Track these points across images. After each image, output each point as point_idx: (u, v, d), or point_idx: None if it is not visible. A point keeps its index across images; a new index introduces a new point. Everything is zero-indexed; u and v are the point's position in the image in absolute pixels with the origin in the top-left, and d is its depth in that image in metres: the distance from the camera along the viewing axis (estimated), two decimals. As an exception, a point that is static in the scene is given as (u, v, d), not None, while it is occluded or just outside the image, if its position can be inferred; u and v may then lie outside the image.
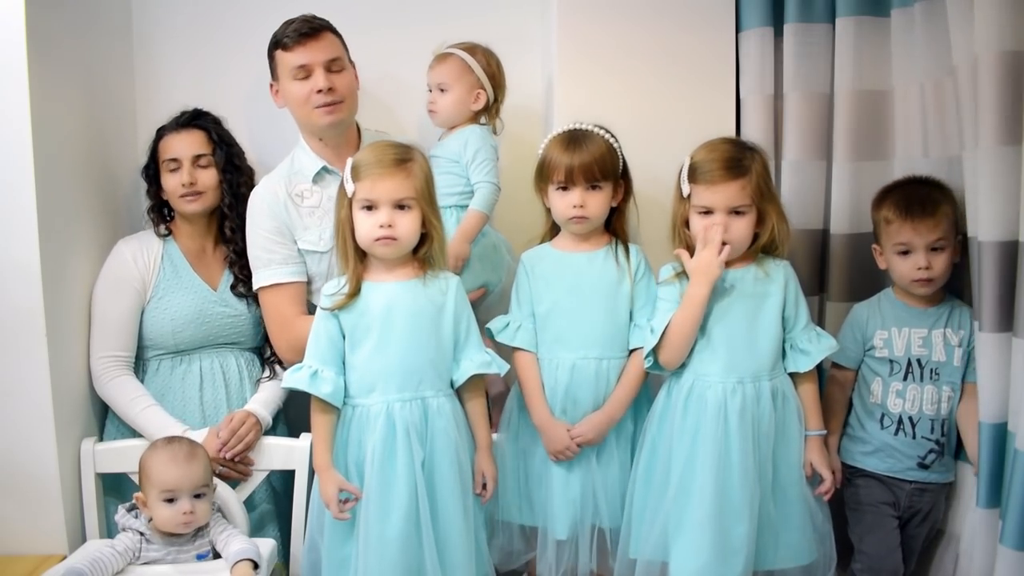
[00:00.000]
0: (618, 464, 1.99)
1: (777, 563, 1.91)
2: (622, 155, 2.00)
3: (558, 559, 1.96)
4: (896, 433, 2.02)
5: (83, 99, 2.18)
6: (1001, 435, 1.80)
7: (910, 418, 2.02)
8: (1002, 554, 1.72)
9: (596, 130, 1.98)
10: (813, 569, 1.93)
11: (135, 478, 1.95)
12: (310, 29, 2.09)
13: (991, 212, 1.77)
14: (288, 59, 2.10)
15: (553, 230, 2.07)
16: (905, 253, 2.00)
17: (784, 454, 1.92)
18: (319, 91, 2.08)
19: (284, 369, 2.18)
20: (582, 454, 1.96)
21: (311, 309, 2.13)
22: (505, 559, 2.03)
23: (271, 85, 2.20)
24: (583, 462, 1.97)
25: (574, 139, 1.97)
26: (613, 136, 1.99)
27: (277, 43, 2.12)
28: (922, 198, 1.99)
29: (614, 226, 2.04)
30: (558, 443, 1.94)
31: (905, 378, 2.03)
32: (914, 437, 2.01)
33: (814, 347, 1.94)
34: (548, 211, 2.04)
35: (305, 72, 2.09)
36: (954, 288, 2.07)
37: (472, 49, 2.15)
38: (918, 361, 2.02)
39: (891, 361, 2.04)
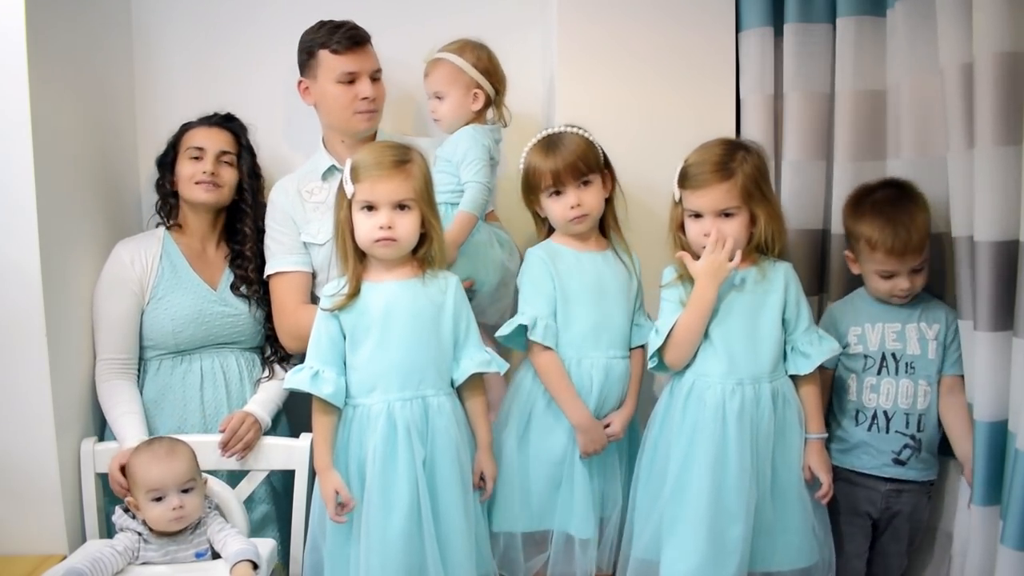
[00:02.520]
0: (621, 459, 2.02)
1: (776, 565, 1.90)
2: (600, 147, 2.01)
3: (582, 557, 1.95)
4: (870, 428, 2.02)
5: (83, 99, 2.18)
6: (997, 433, 1.80)
7: (884, 412, 2.02)
8: (1002, 554, 1.72)
9: (570, 129, 2.00)
10: (813, 572, 1.93)
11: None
12: (360, 38, 2.17)
13: (989, 212, 1.77)
14: (337, 63, 2.15)
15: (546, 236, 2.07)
16: (888, 277, 2.00)
17: (784, 457, 1.92)
18: (364, 98, 2.15)
19: (284, 367, 2.20)
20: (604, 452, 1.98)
21: (315, 302, 2.14)
22: (507, 568, 2.01)
23: (300, 82, 2.24)
24: (600, 460, 1.98)
25: (551, 143, 1.99)
26: (587, 132, 2.00)
27: (323, 45, 2.17)
28: (905, 228, 1.96)
29: (607, 226, 2.05)
30: (598, 442, 1.95)
31: (879, 372, 2.03)
32: (888, 432, 2.01)
33: (815, 349, 1.94)
34: (543, 220, 2.05)
35: (352, 78, 2.16)
36: (928, 286, 2.07)
37: (461, 49, 2.13)
38: (892, 355, 2.03)
39: (865, 356, 2.04)
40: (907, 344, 2.02)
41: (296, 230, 2.19)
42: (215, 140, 2.22)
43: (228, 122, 2.28)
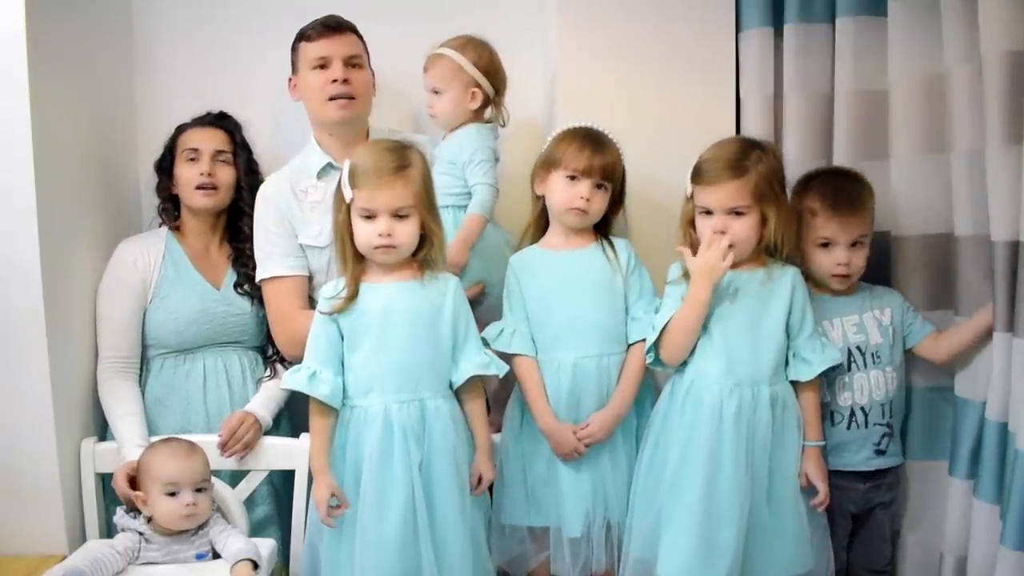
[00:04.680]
0: (624, 458, 2.00)
1: (772, 571, 1.90)
2: (625, 171, 2.03)
3: (573, 556, 1.96)
4: (848, 427, 2.02)
5: (83, 99, 2.18)
6: (1002, 433, 1.81)
7: (862, 408, 2.02)
8: (1002, 554, 1.72)
9: (611, 136, 2.02)
10: (809, 579, 1.93)
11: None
12: (336, 24, 2.15)
13: (998, 212, 1.78)
14: (310, 49, 2.14)
15: (538, 225, 2.07)
16: (825, 246, 2.00)
17: (781, 462, 1.91)
18: (334, 81, 2.11)
19: (284, 367, 2.19)
20: (589, 450, 1.96)
21: (314, 304, 2.12)
22: (515, 563, 2.02)
23: (289, 79, 2.23)
24: (591, 458, 1.97)
25: (594, 137, 2.00)
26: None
27: (301, 36, 2.17)
28: (850, 193, 2.00)
29: (601, 229, 2.05)
30: (566, 446, 1.94)
31: (849, 369, 2.02)
32: (867, 426, 2.02)
33: (817, 357, 1.93)
34: (538, 200, 2.04)
35: (324, 63, 2.13)
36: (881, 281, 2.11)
37: (463, 46, 2.13)
38: (858, 348, 2.02)
39: None
40: (869, 334, 2.03)
41: (292, 232, 2.15)
42: (210, 140, 2.23)
43: (222, 120, 2.28)
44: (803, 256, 2.03)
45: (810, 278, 2.05)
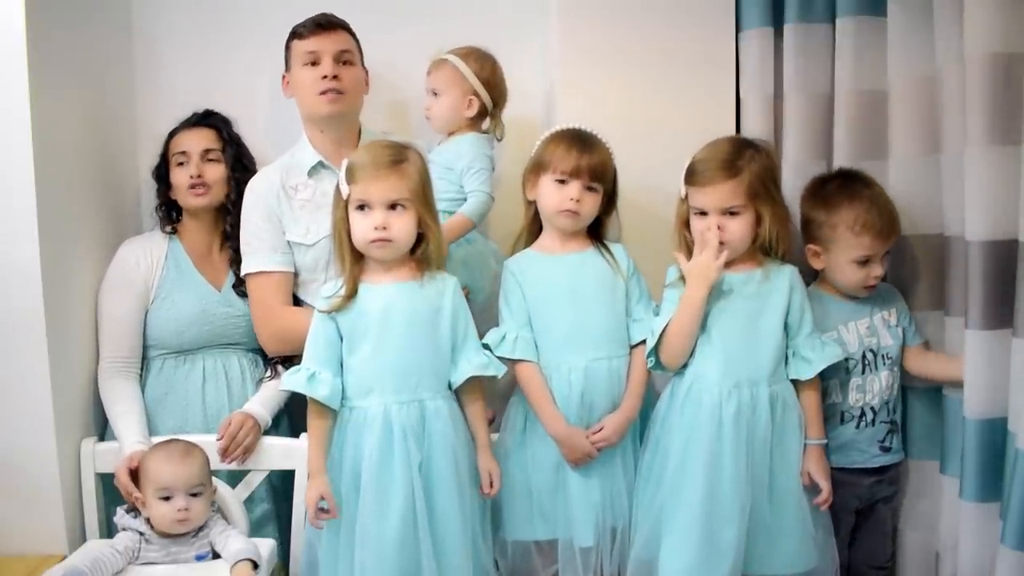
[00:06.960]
0: (631, 461, 1.99)
1: (774, 569, 1.90)
2: (616, 173, 2.02)
3: (585, 566, 1.94)
4: (858, 427, 2.03)
5: (83, 99, 2.19)
6: (988, 431, 1.81)
7: (872, 408, 2.03)
8: (1002, 554, 1.72)
9: (601, 138, 2.00)
10: (813, 577, 1.93)
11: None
12: (327, 22, 2.16)
13: (981, 211, 1.78)
14: (301, 46, 2.16)
15: (531, 229, 2.06)
16: (864, 263, 2.00)
17: (782, 461, 1.91)
18: (324, 76, 2.12)
19: (285, 367, 2.18)
20: (598, 456, 1.95)
21: (299, 302, 2.16)
22: None
23: (283, 77, 2.24)
24: (600, 463, 1.95)
25: (582, 138, 1.98)
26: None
27: (294, 33, 2.18)
28: (887, 208, 2.01)
29: (595, 231, 2.04)
30: (579, 451, 1.93)
31: (863, 371, 2.03)
32: (874, 424, 2.03)
33: (817, 355, 1.93)
34: (530, 205, 2.04)
35: (314, 59, 2.14)
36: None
37: (467, 55, 2.14)
38: (871, 351, 2.04)
39: (847, 359, 2.03)
40: (879, 336, 2.04)
41: (280, 228, 2.15)
42: (197, 140, 2.23)
43: (208, 119, 2.28)
44: (833, 269, 2.03)
45: (820, 280, 2.07)
